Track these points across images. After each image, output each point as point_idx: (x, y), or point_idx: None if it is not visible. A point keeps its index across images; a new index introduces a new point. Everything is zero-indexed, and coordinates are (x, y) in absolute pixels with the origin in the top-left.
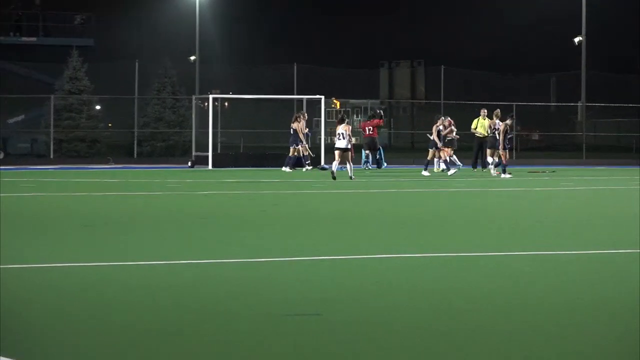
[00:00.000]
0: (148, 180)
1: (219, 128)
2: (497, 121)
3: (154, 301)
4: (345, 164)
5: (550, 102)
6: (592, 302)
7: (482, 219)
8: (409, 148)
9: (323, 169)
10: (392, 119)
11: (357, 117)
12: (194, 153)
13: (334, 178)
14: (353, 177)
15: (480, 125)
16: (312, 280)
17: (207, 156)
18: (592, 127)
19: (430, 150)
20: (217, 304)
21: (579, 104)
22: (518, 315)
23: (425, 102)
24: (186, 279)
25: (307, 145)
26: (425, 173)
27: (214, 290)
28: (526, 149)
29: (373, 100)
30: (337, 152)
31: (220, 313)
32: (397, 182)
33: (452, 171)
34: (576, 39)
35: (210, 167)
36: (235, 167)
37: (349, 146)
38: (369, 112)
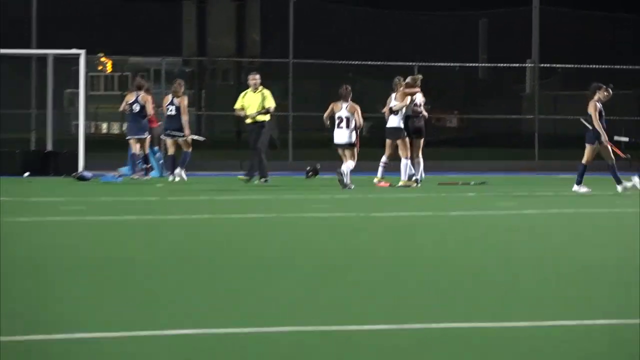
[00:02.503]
0: None
1: None
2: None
3: None
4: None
5: (478, 62)
6: None
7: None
8: (231, 140)
9: (82, 178)
10: (203, 92)
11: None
12: None
13: (345, 186)
14: (351, 185)
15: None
16: None
17: None
18: (551, 105)
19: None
20: None
21: (528, 64)
22: None
23: (262, 62)
24: None
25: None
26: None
27: None
28: (437, 142)
29: (171, 59)
30: (339, 150)
31: None
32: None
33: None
34: None
35: None
36: None
37: (353, 140)
38: (162, 77)
